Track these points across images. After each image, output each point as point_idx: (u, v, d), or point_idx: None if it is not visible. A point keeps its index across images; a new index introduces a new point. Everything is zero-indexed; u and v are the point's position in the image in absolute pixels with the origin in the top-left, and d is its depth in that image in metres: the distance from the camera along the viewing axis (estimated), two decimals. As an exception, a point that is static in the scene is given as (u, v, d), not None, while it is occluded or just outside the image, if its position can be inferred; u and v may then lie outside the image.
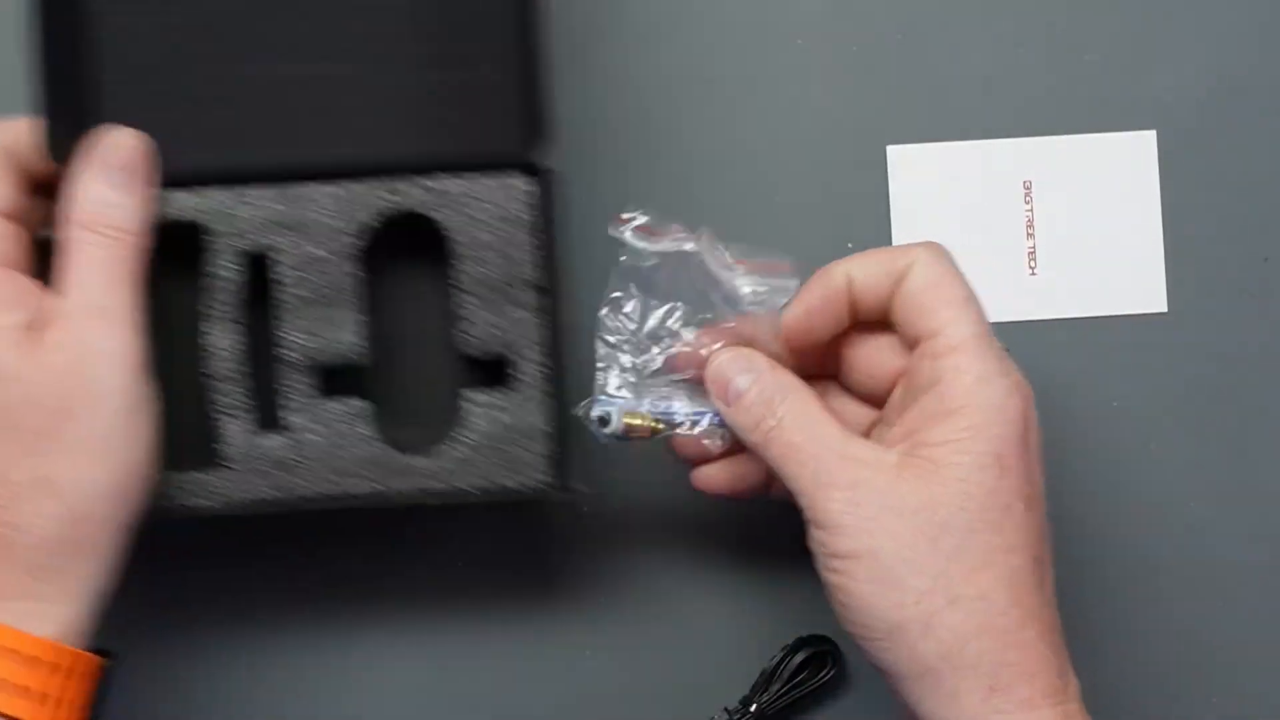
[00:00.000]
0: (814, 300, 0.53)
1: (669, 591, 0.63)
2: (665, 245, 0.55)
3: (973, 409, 0.49)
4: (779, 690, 0.62)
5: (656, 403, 0.55)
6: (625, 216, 0.55)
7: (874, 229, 0.65)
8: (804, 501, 0.50)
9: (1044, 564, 0.51)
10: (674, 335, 0.55)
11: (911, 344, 0.52)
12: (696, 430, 0.54)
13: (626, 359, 0.55)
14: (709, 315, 0.55)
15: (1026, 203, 0.65)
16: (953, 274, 0.52)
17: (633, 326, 0.56)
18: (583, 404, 0.54)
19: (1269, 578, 0.64)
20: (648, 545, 0.64)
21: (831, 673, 0.62)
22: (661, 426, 0.54)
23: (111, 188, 0.52)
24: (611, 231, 0.55)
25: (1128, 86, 0.65)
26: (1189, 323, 0.65)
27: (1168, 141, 0.65)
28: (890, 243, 0.65)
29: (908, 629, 0.48)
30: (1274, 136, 0.65)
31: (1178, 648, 0.64)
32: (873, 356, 0.55)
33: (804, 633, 0.63)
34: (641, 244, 0.55)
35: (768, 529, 0.62)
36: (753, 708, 0.61)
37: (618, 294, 0.55)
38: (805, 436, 0.51)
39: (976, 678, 0.48)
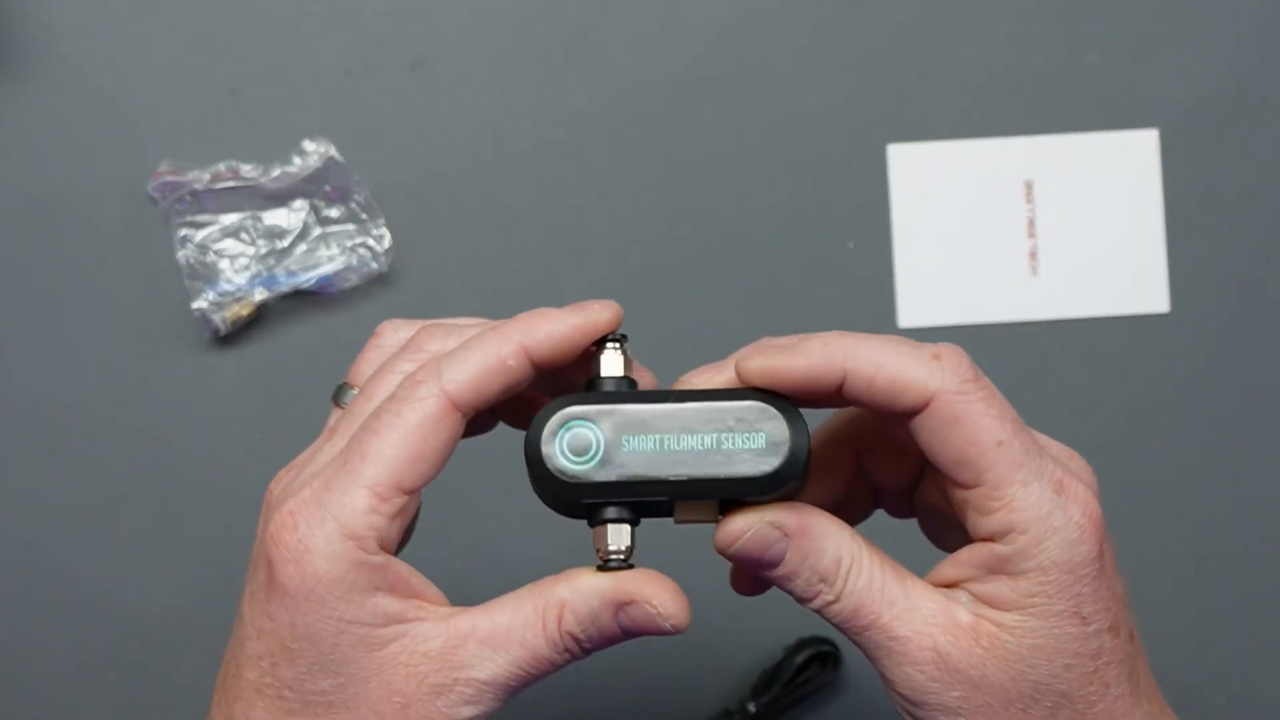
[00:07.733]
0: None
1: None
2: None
3: (1042, 567, 0.43)
4: (779, 690, 0.62)
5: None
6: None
7: (874, 229, 0.65)
8: (877, 662, 0.45)
9: (1135, 665, 0.46)
10: None
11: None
12: None
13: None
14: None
15: (1027, 202, 0.65)
16: (975, 404, 0.43)
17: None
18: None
19: (1269, 578, 0.64)
20: (647, 544, 0.63)
21: (832, 674, 0.62)
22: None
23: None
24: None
25: (1129, 85, 0.65)
26: (1191, 323, 0.65)
27: (1170, 141, 0.65)
28: (890, 243, 0.64)
29: None
30: (1277, 136, 0.65)
31: (1177, 648, 0.64)
32: (895, 465, 0.48)
33: (804, 633, 0.63)
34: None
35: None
36: (752, 708, 0.61)
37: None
38: (876, 599, 0.44)
39: None
